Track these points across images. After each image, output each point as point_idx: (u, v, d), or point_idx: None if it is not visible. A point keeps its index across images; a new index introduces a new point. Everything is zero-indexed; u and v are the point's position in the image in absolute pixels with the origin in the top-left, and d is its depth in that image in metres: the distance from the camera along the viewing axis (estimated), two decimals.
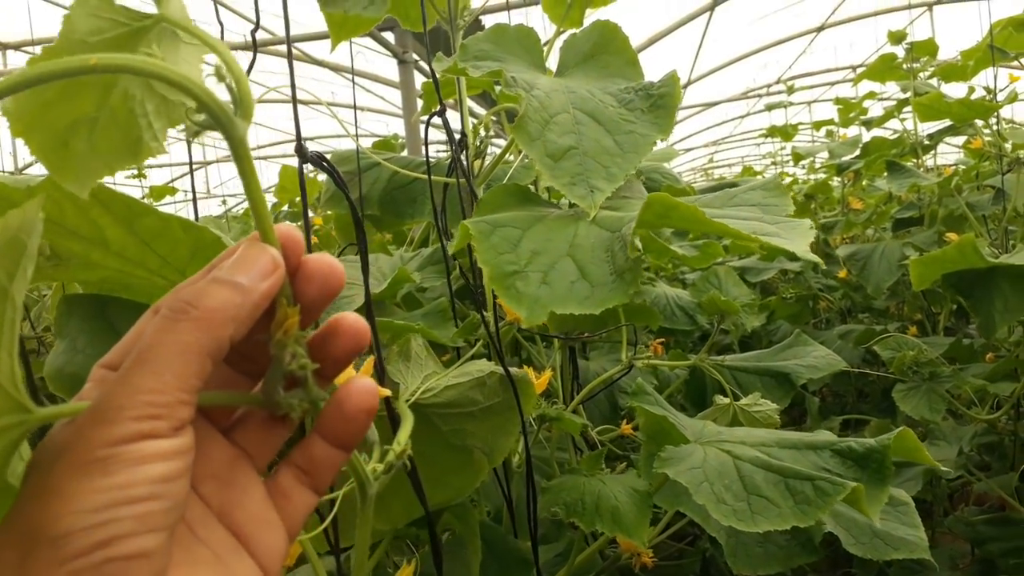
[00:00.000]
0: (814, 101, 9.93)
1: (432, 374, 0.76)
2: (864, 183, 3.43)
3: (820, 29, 8.67)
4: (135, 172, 4.55)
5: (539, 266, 0.68)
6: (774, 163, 5.45)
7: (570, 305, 0.65)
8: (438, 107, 0.86)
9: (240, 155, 0.40)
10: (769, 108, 3.66)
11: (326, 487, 0.45)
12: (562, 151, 0.75)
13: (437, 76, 0.84)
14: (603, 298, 0.65)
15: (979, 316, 1.66)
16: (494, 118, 0.84)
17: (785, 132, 3.59)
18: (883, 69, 2.63)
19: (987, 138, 2.42)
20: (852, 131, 3.58)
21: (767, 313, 3.76)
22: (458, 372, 0.78)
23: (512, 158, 1.02)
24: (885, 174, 2.38)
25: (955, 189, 2.31)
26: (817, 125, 3.54)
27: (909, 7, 7.71)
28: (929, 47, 2.58)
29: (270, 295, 0.40)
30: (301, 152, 0.59)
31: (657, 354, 1.30)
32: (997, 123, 2.51)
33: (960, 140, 2.75)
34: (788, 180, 5.05)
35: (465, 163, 0.85)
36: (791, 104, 3.73)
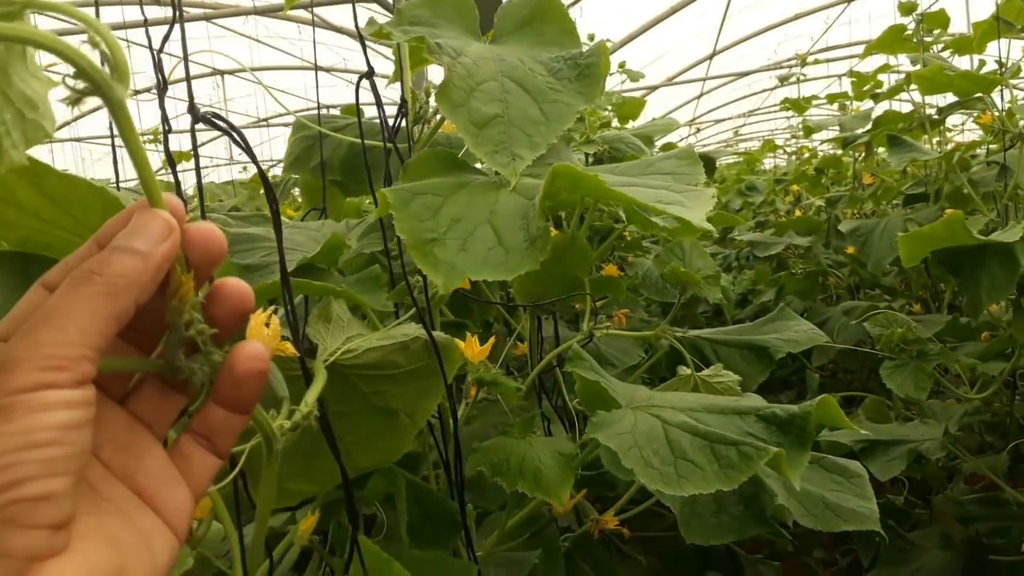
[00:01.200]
0: (844, 75, 9.70)
1: (355, 336, 0.77)
2: (878, 158, 3.37)
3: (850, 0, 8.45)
4: (152, 137, 4.60)
5: (459, 233, 0.69)
6: (794, 136, 5.35)
7: (484, 271, 0.66)
8: (369, 70, 0.85)
9: (120, 119, 0.41)
10: (781, 80, 3.58)
11: (227, 451, 0.47)
12: (487, 119, 0.75)
13: (365, 39, 0.84)
14: (516, 264, 0.66)
15: (967, 294, 1.64)
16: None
17: (799, 105, 3.52)
18: (893, 41, 2.56)
19: (996, 112, 2.36)
20: (869, 105, 3.50)
21: (777, 288, 3.73)
22: (382, 335, 0.78)
23: None
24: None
25: (959, 164, 2.26)
26: (831, 98, 3.47)
27: None
28: (940, 19, 2.50)
29: (169, 258, 0.41)
30: (193, 112, 0.60)
31: (621, 324, 1.29)
32: (1005, 96, 2.44)
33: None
34: (808, 154, 4.97)
35: (389, 129, 0.85)
36: (805, 78, 3.65)
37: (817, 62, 4.24)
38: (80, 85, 0.40)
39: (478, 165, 0.87)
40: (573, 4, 4.76)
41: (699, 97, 12.67)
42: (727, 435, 0.80)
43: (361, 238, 0.91)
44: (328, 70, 7.61)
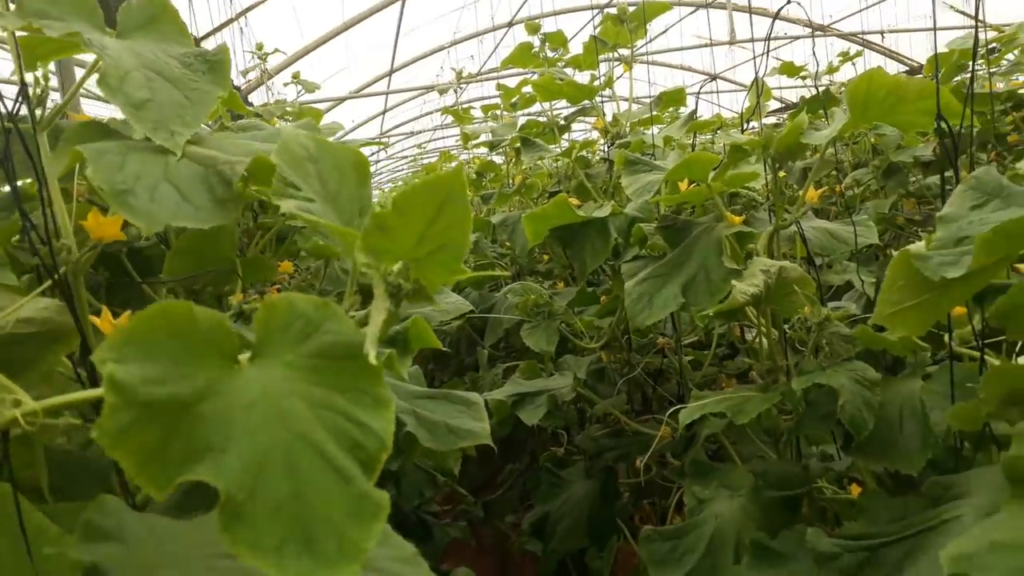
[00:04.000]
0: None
1: None
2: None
3: (510, 24, 9.33)
4: None
5: (144, 186, 0.81)
6: (465, 148, 5.82)
7: (181, 220, 0.80)
8: None
9: None
10: (441, 92, 3.97)
11: None
12: (141, 102, 0.87)
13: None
14: (209, 218, 0.81)
15: (576, 261, 2.00)
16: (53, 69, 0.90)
17: (459, 115, 3.89)
18: (522, 56, 2.98)
19: (608, 118, 2.86)
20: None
21: (455, 280, 4.07)
22: None
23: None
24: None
25: (577, 162, 2.70)
26: (485, 109, 3.88)
27: (592, 8, 8.56)
28: (559, 39, 2.96)
29: None
30: None
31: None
32: (620, 104, 2.97)
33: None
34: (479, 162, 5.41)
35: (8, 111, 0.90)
36: (463, 89, 4.05)
37: (476, 79, 4.69)
38: None
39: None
40: (239, 16, 4.75)
41: (384, 112, 13.06)
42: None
43: None
44: None
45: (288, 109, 4.29)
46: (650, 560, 1.44)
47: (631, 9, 2.44)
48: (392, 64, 9.61)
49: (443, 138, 14.27)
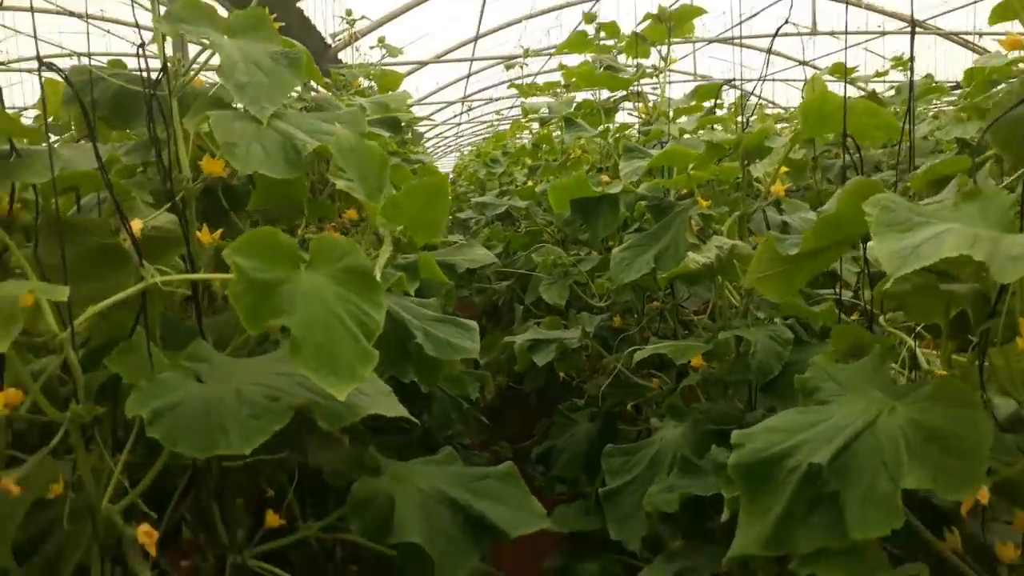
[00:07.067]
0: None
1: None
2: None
3: None
4: None
5: (244, 143, 1.23)
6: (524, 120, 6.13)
7: (264, 169, 1.22)
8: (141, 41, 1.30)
9: None
10: (507, 67, 4.28)
11: None
12: (244, 84, 1.27)
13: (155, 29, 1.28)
14: (282, 171, 1.24)
15: (591, 230, 2.34)
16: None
17: (523, 89, 4.22)
18: (579, 43, 3.28)
19: (651, 103, 3.16)
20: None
21: (505, 244, 4.45)
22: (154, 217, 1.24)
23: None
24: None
25: (616, 143, 3.02)
26: (547, 86, 4.20)
27: None
28: (613, 28, 3.26)
29: None
30: None
31: (332, 234, 1.82)
32: (659, 91, 3.25)
33: None
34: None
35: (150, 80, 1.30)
36: (527, 65, 4.38)
37: (541, 54, 5.00)
38: None
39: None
40: None
41: (468, 77, 13.41)
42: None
43: (130, 153, 1.35)
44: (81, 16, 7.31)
45: (371, 71, 4.70)
46: (608, 470, 1.80)
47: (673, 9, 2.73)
48: (478, 31, 9.93)
49: (518, 106, 14.53)
